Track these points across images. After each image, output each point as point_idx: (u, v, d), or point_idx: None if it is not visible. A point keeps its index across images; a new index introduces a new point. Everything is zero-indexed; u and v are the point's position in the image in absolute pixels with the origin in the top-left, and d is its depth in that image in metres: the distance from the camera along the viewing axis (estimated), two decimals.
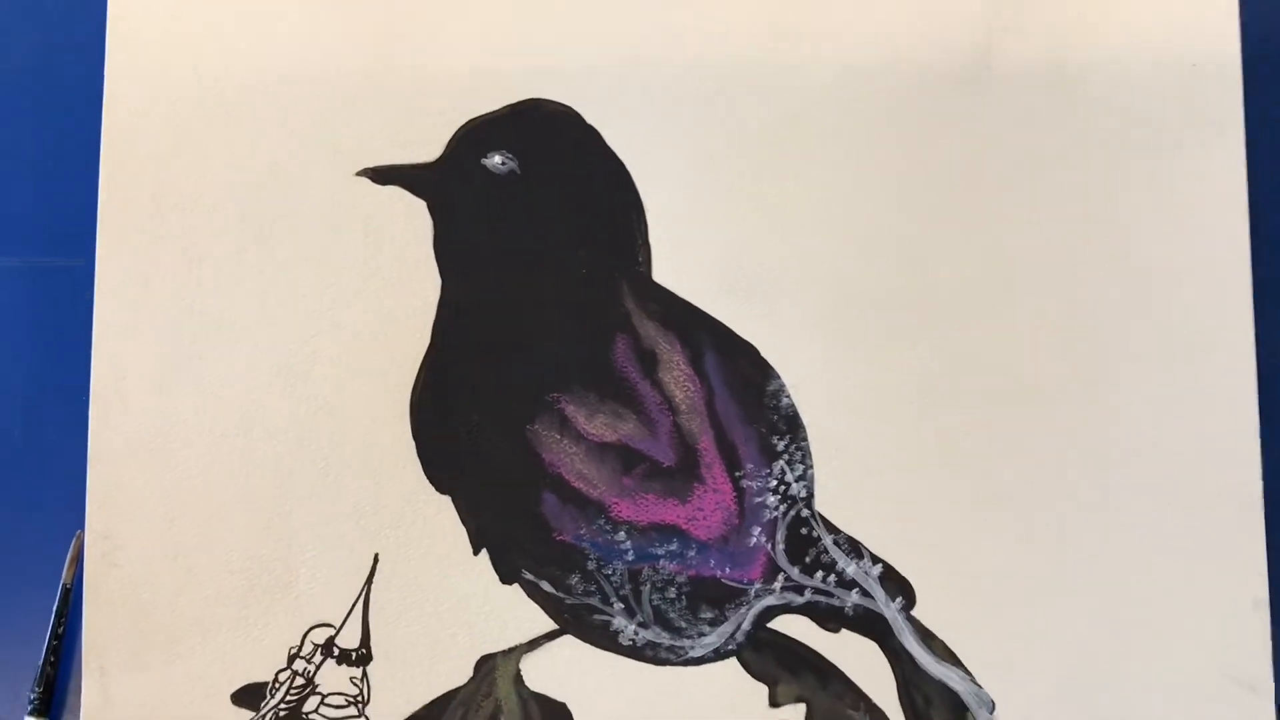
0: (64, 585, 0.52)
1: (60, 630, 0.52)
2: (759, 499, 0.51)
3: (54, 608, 0.52)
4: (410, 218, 0.52)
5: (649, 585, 0.51)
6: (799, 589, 0.51)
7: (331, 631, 0.51)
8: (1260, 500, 0.50)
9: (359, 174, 0.52)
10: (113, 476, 0.51)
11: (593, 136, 0.53)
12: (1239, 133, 0.51)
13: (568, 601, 0.51)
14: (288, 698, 0.50)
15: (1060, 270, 0.51)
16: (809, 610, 0.51)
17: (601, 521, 0.51)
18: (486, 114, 0.53)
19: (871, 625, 0.51)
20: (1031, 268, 0.51)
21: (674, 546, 0.51)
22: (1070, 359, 0.51)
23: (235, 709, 0.50)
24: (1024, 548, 0.50)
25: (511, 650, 0.51)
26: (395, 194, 0.52)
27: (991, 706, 0.50)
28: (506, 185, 0.52)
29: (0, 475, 0.54)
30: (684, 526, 0.51)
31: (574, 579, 0.51)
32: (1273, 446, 0.50)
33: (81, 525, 0.51)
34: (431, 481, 0.51)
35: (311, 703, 0.50)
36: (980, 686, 0.50)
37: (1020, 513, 0.51)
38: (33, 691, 0.52)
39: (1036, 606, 0.50)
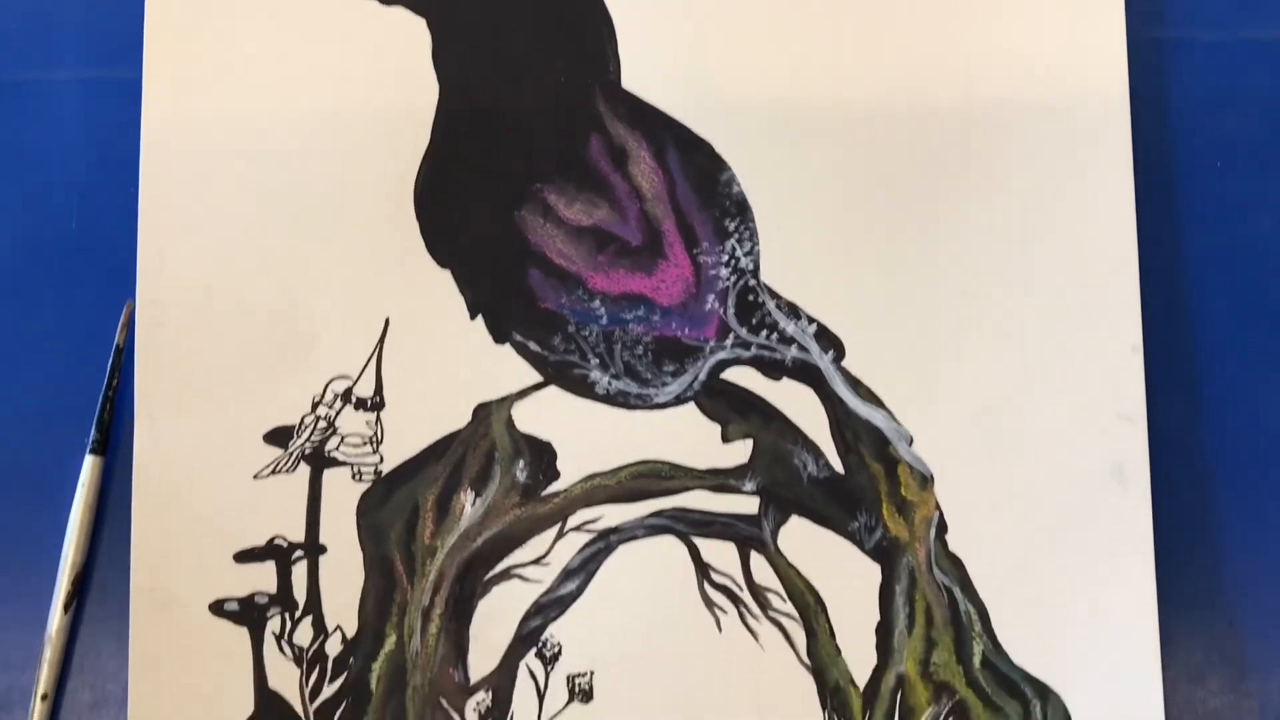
0: (117, 345, 0.57)
1: (114, 383, 0.56)
2: (713, 271, 0.56)
3: (109, 364, 0.57)
4: (412, 35, 0.58)
5: (620, 344, 0.56)
6: (746, 345, 0.56)
7: (349, 382, 0.55)
8: (1135, 261, 0.56)
9: None
10: (159, 251, 0.56)
11: None
12: (1125, 135, 0.56)
13: (551, 358, 0.56)
14: (312, 437, 0.55)
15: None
16: (755, 362, 0.56)
17: (580, 292, 0.56)
18: None
19: (807, 374, 0.56)
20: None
21: (641, 312, 0.56)
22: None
23: (266, 446, 0.55)
24: (935, 308, 0.56)
25: (504, 398, 0.56)
26: (399, 16, 0.58)
27: (910, 440, 0.55)
28: (495, 3, 0.58)
29: (59, 259, 0.58)
30: (650, 295, 0.56)
31: (557, 340, 0.56)
32: (1145, 220, 0.56)
33: (131, 297, 0.56)
34: (433, 256, 0.56)
35: (333, 442, 0.55)
36: (900, 423, 0.55)
37: (932, 277, 0.56)
38: (91, 435, 0.56)
39: (946, 357, 0.55)
